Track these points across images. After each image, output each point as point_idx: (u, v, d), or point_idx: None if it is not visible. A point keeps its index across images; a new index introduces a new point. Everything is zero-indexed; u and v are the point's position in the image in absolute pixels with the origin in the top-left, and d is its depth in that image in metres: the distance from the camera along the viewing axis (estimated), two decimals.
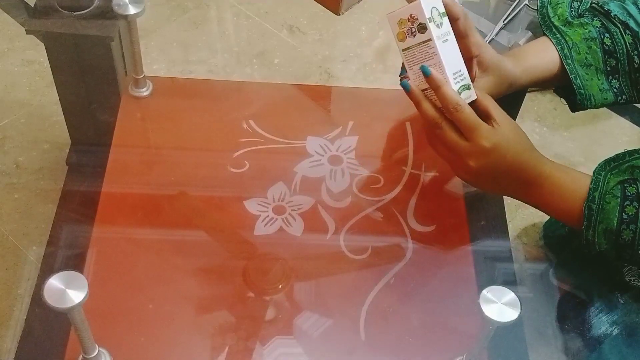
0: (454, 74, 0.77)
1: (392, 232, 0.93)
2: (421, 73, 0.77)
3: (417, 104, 0.78)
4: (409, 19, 0.76)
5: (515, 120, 1.10)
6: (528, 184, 0.78)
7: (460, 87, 0.77)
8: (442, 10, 0.76)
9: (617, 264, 0.90)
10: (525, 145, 0.78)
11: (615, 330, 0.96)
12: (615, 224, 0.74)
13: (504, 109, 0.80)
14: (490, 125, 0.76)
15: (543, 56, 0.87)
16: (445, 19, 0.76)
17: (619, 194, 0.75)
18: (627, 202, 0.74)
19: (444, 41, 0.76)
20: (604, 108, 1.31)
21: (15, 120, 1.41)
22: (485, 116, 0.77)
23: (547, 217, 1.29)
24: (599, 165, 0.78)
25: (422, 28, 0.75)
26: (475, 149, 0.75)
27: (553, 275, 1.14)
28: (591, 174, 0.78)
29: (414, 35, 0.77)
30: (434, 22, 0.75)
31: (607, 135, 1.53)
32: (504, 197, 1.02)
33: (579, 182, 0.77)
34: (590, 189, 0.76)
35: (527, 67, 0.86)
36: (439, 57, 0.76)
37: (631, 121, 1.56)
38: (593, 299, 1.04)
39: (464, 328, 0.85)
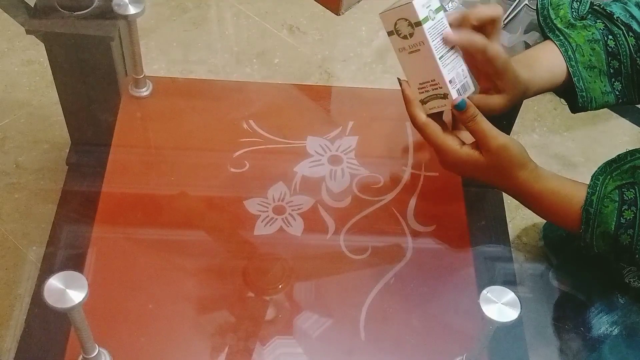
0: (420, 84, 0.77)
1: (392, 232, 0.93)
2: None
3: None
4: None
5: (514, 120, 1.11)
6: (524, 200, 0.80)
7: (427, 97, 0.77)
8: (416, 20, 0.72)
9: (617, 265, 0.90)
10: (505, 172, 0.77)
11: (615, 330, 0.96)
12: (613, 228, 0.74)
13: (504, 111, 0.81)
14: (456, 147, 0.77)
15: (552, 64, 0.86)
16: (419, 29, 0.73)
17: (617, 199, 0.75)
18: (625, 207, 0.74)
19: (410, 52, 0.75)
20: (604, 108, 1.31)
21: (15, 120, 1.41)
22: (477, 139, 0.77)
23: None
24: (598, 168, 0.78)
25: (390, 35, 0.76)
26: (445, 157, 0.78)
27: (553, 276, 1.14)
28: (588, 182, 0.78)
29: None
30: (399, 34, 0.74)
31: (607, 135, 1.53)
32: (504, 197, 1.02)
33: (576, 190, 0.78)
34: (587, 193, 0.76)
35: (539, 78, 0.86)
36: (404, 68, 0.76)
37: (631, 121, 1.56)
38: (593, 299, 1.04)
39: (464, 328, 0.85)
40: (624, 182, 0.76)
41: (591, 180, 0.78)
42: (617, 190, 0.75)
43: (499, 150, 0.75)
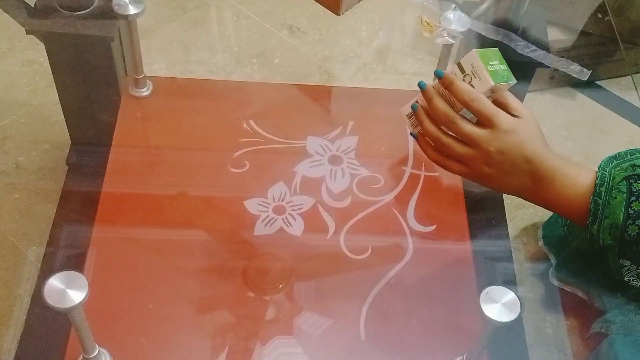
0: None
1: (392, 232, 0.93)
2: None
3: (430, 100, 0.81)
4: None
5: None
6: (541, 178, 0.79)
7: None
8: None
9: (616, 264, 0.90)
10: (542, 141, 0.80)
11: (615, 329, 0.96)
12: (622, 219, 0.75)
13: None
14: (508, 114, 0.79)
15: None
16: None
17: (625, 190, 0.75)
18: (633, 198, 0.75)
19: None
20: (604, 108, 1.30)
21: (15, 120, 1.41)
22: (508, 109, 0.80)
23: (546, 217, 1.29)
24: (603, 161, 0.79)
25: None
26: (495, 134, 0.78)
27: (553, 275, 1.14)
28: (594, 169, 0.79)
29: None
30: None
31: (607, 135, 1.53)
32: (504, 197, 1.02)
33: (585, 176, 0.78)
34: (596, 184, 0.76)
35: None
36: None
37: (631, 121, 1.56)
38: (592, 298, 1.04)
39: (464, 328, 0.85)
40: (631, 173, 0.76)
41: (598, 171, 0.78)
42: (625, 181, 0.75)
43: (532, 114, 0.80)
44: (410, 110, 0.88)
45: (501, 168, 0.79)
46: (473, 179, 0.84)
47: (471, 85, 0.79)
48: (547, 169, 0.79)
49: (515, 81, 0.81)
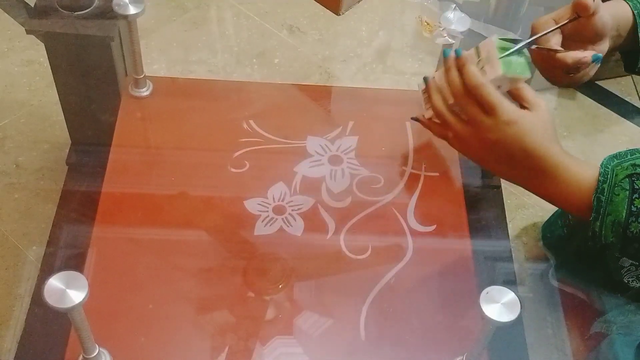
0: None
1: (392, 232, 0.93)
2: None
3: (448, 70, 0.80)
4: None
5: None
6: (543, 173, 0.78)
7: None
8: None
9: (615, 264, 0.90)
10: (549, 135, 0.78)
11: (614, 329, 0.96)
12: (624, 217, 0.74)
13: None
14: (515, 105, 0.77)
15: (624, 17, 0.87)
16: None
17: (628, 187, 0.75)
18: (636, 195, 0.75)
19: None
20: (604, 108, 1.30)
21: (15, 120, 1.41)
22: (520, 100, 0.79)
23: (546, 218, 1.29)
24: (605, 159, 0.78)
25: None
26: (494, 124, 0.77)
27: (553, 276, 1.14)
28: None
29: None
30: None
31: (607, 135, 1.53)
32: (504, 196, 1.02)
33: (588, 173, 0.78)
34: (599, 180, 0.76)
35: (617, 30, 0.87)
36: None
37: (631, 121, 1.56)
38: (592, 299, 1.04)
39: (464, 328, 0.85)
40: (633, 172, 0.76)
41: (601, 167, 0.77)
42: (627, 179, 0.75)
43: (546, 106, 0.78)
44: (424, 85, 0.86)
45: (497, 156, 0.79)
46: (470, 158, 0.83)
47: (483, 70, 0.78)
48: (548, 165, 0.78)
49: (530, 75, 0.78)
